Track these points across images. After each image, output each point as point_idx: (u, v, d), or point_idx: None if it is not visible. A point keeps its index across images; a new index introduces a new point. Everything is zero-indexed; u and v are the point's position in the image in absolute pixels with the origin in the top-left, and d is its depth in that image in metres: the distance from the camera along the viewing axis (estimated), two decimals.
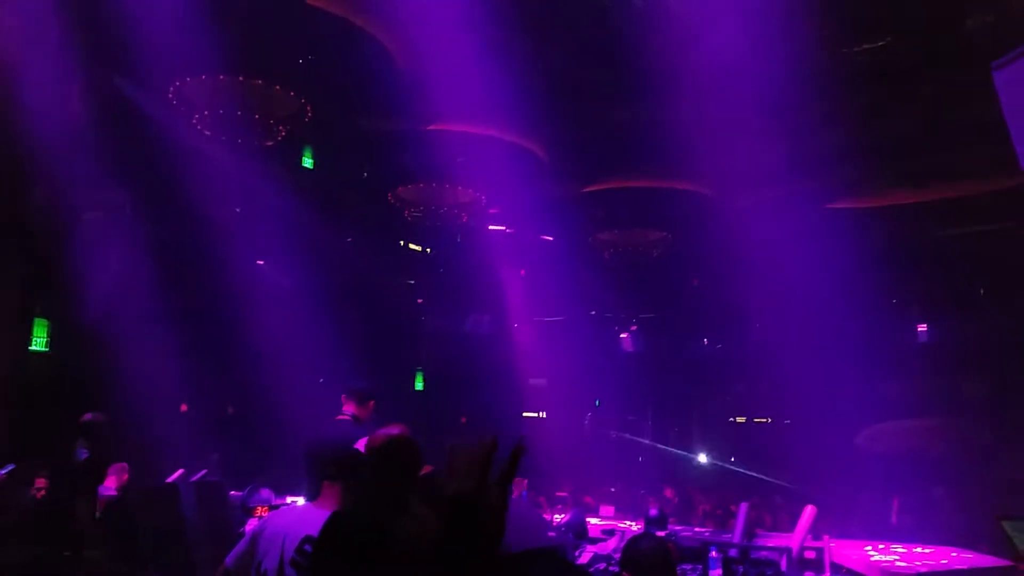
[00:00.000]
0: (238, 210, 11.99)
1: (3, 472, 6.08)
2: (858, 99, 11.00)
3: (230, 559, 3.12)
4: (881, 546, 5.62)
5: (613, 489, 12.76)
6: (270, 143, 10.95)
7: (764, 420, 19.31)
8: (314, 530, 2.93)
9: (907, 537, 7.04)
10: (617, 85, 11.28)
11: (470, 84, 10.04)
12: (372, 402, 4.80)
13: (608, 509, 8.16)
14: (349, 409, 4.81)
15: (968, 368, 14.94)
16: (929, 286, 15.26)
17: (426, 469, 3.36)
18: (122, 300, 10.33)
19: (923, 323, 16.47)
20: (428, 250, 17.30)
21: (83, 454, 6.25)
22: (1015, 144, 3.86)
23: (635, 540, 3.27)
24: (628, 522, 7.10)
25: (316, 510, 3.10)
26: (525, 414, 18.46)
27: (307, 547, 2.93)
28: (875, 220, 13.92)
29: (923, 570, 4.60)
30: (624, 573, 3.12)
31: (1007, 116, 3.97)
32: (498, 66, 9.76)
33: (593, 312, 17.82)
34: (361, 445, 4.57)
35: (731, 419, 19.94)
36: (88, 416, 6.46)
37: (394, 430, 3.35)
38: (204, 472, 7.63)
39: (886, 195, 13.76)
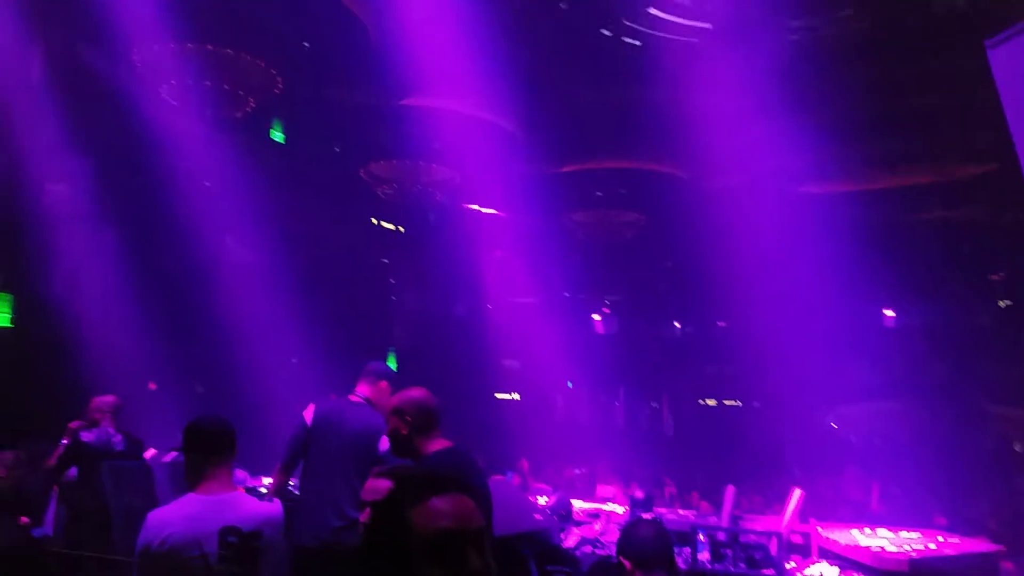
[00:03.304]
0: (207, 184, 11.70)
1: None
2: (834, 81, 11.01)
3: None
4: (868, 530, 5.63)
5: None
6: (239, 115, 10.69)
7: (734, 403, 19.47)
8: (231, 518, 2.76)
9: (889, 522, 7.09)
10: (594, 64, 11.19)
11: (446, 58, 9.88)
12: (384, 384, 4.69)
13: (608, 489, 8.15)
14: (363, 391, 4.70)
15: (933, 352, 15.14)
16: (898, 271, 15.42)
17: (445, 444, 3.35)
18: (88, 275, 10.07)
19: (891, 308, 16.67)
20: (401, 229, 17.11)
21: (121, 437, 6.06)
22: (1010, 122, 3.79)
23: (632, 526, 3.22)
24: (612, 505, 7.07)
25: (209, 498, 2.86)
26: (498, 395, 18.42)
27: (231, 538, 2.72)
28: (846, 204, 14.01)
29: (915, 555, 4.61)
30: (622, 559, 3.05)
31: (1002, 95, 3.89)
32: (474, 41, 9.61)
33: (567, 294, 17.78)
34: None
35: (701, 401, 20.08)
36: (113, 397, 6.28)
37: (416, 392, 3.37)
38: (176, 453, 7.46)
39: (857, 180, 13.85)
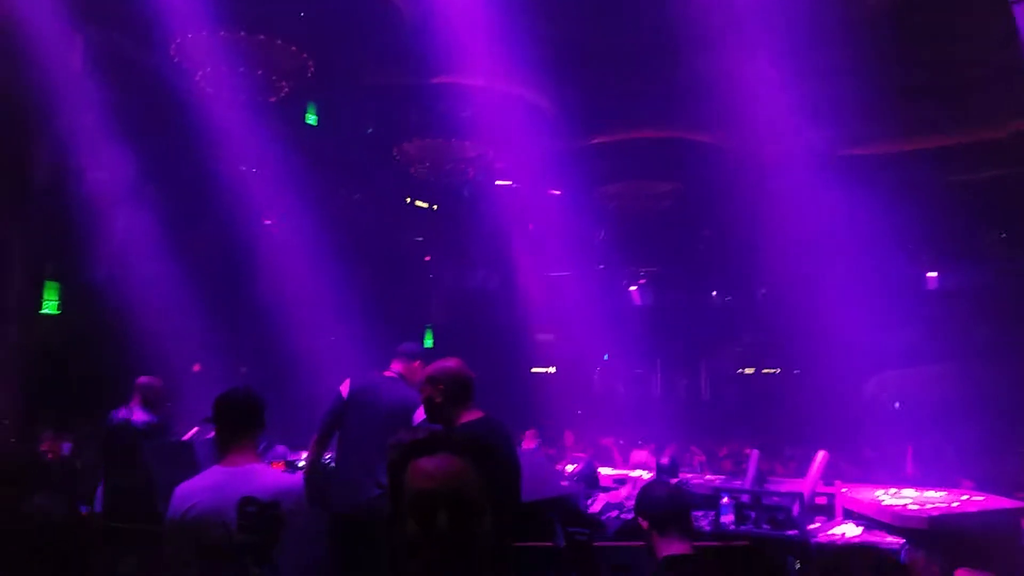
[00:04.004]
0: (254, 170, 11.92)
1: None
2: (871, 44, 10.82)
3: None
4: (892, 490, 5.65)
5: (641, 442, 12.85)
6: (273, 100, 10.86)
7: (773, 371, 19.36)
8: (249, 489, 2.83)
9: (920, 483, 7.08)
10: (625, 34, 11.13)
11: (475, 36, 9.92)
12: (417, 363, 4.84)
13: (641, 454, 8.32)
14: (397, 368, 4.86)
15: (978, 314, 14.89)
16: (940, 232, 15.16)
17: (477, 414, 3.46)
18: (132, 261, 10.36)
19: (934, 270, 16.42)
20: (435, 207, 17.25)
21: (147, 416, 6.25)
22: None
23: (649, 487, 3.31)
24: (639, 471, 7.17)
25: (231, 469, 2.97)
26: (534, 369, 18.55)
27: (249, 508, 2.80)
28: (886, 166, 13.80)
29: (934, 513, 4.63)
30: (639, 520, 3.15)
31: None
32: (503, 16, 9.63)
33: (602, 266, 17.79)
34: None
35: (740, 370, 19.99)
36: (145, 379, 6.45)
37: (451, 363, 3.48)
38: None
39: (898, 141, 13.63)
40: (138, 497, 5.51)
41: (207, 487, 2.95)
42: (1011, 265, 15.33)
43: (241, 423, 3.06)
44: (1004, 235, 16.21)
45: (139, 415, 6.24)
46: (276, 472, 3.10)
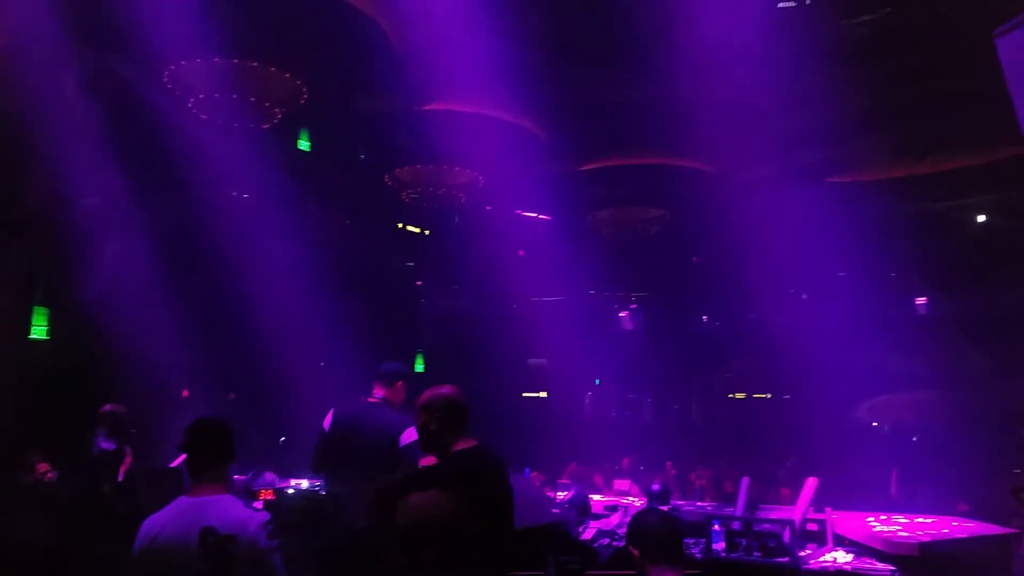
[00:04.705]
0: (245, 196, 11.94)
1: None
2: (856, 72, 10.94)
3: None
4: (883, 517, 5.65)
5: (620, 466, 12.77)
6: (266, 126, 10.90)
7: (764, 396, 19.37)
8: (210, 520, 2.90)
9: (907, 508, 7.09)
10: (615, 62, 11.23)
11: (467, 62, 9.98)
12: (399, 384, 4.82)
13: (623, 483, 8.29)
14: (379, 392, 4.84)
15: (968, 340, 14.95)
16: (929, 258, 15.25)
17: (469, 443, 3.44)
18: (122, 287, 10.32)
19: (923, 296, 16.51)
20: (426, 232, 17.29)
21: (107, 444, 6.24)
22: (1018, 111, 3.83)
23: (641, 516, 3.30)
24: (631, 498, 7.15)
25: (196, 499, 3.01)
26: (525, 394, 18.51)
27: (209, 539, 2.87)
28: (874, 193, 13.91)
29: (925, 539, 4.64)
30: (631, 548, 3.14)
31: (1010, 84, 3.94)
32: (494, 44, 9.71)
33: (592, 291, 17.83)
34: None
35: (730, 395, 19.99)
36: (109, 407, 6.45)
37: (446, 390, 3.46)
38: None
39: (885, 168, 13.74)
40: (95, 523, 5.49)
41: (172, 516, 3.00)
42: (1001, 292, 15.43)
43: (210, 452, 3.10)
44: (983, 263, 16.33)
45: (101, 443, 6.24)
46: (238, 505, 3.10)
